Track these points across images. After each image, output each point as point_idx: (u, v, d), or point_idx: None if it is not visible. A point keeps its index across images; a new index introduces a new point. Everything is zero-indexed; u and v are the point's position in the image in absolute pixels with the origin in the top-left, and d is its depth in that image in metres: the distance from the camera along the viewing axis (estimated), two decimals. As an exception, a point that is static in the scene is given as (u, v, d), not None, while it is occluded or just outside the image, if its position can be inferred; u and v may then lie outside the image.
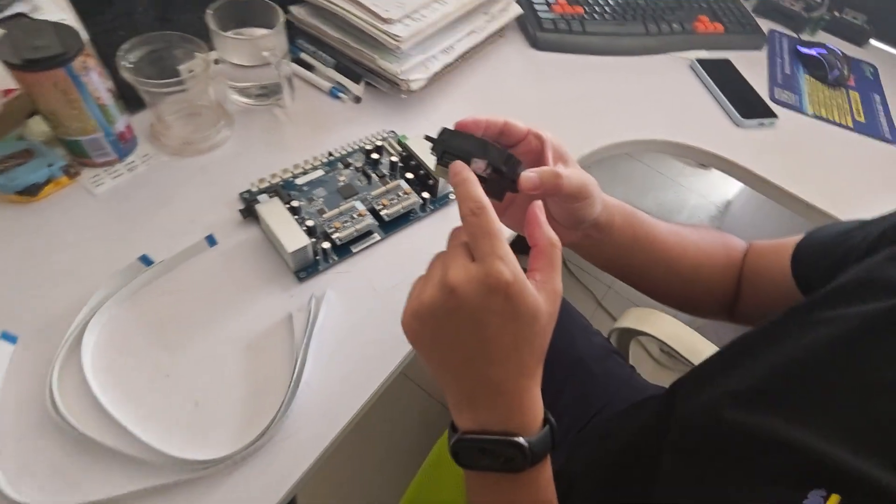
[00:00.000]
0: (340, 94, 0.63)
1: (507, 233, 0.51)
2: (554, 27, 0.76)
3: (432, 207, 0.55)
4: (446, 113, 0.65)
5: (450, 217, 0.55)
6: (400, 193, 0.53)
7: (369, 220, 0.51)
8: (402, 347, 0.45)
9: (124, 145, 0.52)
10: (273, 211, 0.48)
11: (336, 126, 0.60)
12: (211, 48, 0.54)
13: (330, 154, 0.56)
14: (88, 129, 0.47)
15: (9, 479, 0.35)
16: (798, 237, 0.43)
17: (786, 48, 0.87)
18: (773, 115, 0.73)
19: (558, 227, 0.38)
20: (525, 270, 0.28)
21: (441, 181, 0.54)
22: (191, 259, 0.47)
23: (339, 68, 0.63)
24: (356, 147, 0.57)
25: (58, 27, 0.44)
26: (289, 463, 0.39)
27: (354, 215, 0.51)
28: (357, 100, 0.63)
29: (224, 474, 0.38)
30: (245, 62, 0.55)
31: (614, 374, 0.63)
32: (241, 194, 0.51)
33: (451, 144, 0.31)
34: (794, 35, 0.91)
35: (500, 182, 0.31)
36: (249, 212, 0.50)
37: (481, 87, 0.69)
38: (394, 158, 0.55)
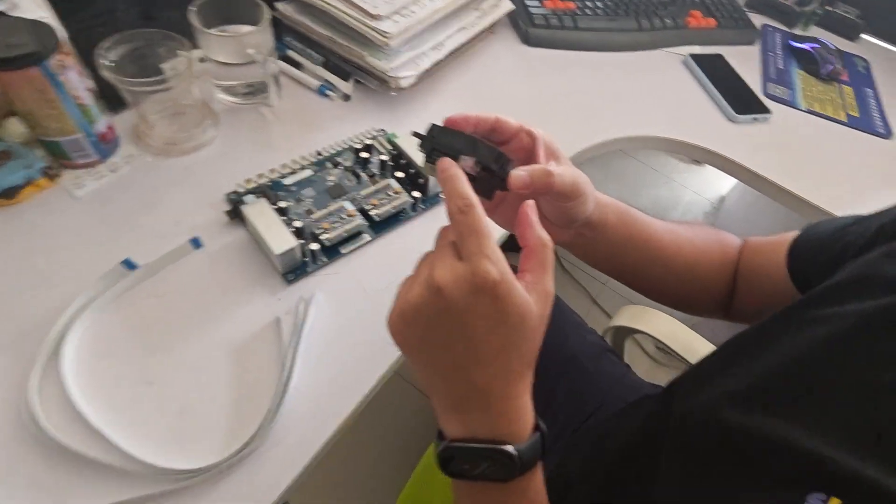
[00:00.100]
0: (329, 92, 0.62)
1: (499, 232, 0.50)
2: (545, 23, 0.75)
3: (423, 207, 0.54)
4: (437, 111, 0.64)
5: (441, 216, 0.54)
6: (390, 193, 0.52)
7: (359, 220, 0.50)
8: (394, 349, 0.44)
9: (106, 146, 0.50)
10: (260, 212, 0.47)
11: (325, 125, 0.59)
12: (195, 46, 0.52)
13: (318, 153, 0.55)
14: (68, 129, 0.46)
15: (-15, 493, 0.34)
16: (793, 233, 0.43)
17: (778, 43, 0.87)
18: (766, 110, 0.73)
19: (550, 226, 0.37)
20: (515, 270, 0.27)
21: (432, 180, 0.53)
22: (175, 262, 0.46)
23: (328, 66, 0.62)
24: (345, 146, 0.56)
25: (34, 25, 0.42)
26: (278, 470, 0.38)
27: (344, 216, 0.50)
28: (346, 98, 0.62)
29: (211, 483, 0.37)
30: (230, 60, 0.54)
31: (609, 373, 0.63)
32: (228, 195, 0.50)
33: (439, 141, 0.30)
34: (787, 30, 0.91)
35: (490, 180, 0.30)
36: (236, 213, 0.48)
37: (472, 84, 0.68)
38: (384, 157, 0.54)
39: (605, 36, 0.77)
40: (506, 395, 0.27)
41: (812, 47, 0.83)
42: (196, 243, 0.47)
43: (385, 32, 0.56)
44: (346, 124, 0.59)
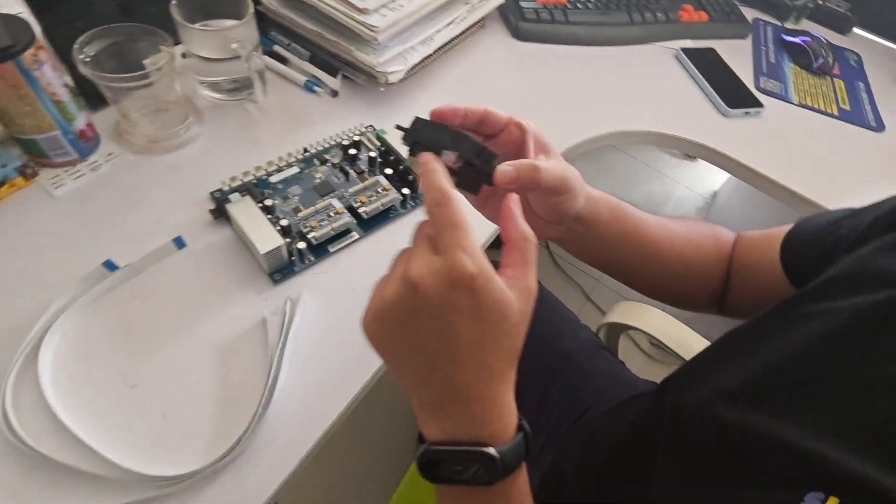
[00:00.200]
0: (316, 88, 0.61)
1: (489, 227, 0.49)
2: (536, 17, 0.75)
3: (413, 204, 0.53)
4: (426, 106, 0.62)
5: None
6: (379, 190, 0.51)
7: (347, 218, 0.49)
8: (382, 350, 0.44)
9: (86, 144, 0.49)
10: (245, 210, 0.45)
11: (312, 121, 0.58)
12: (177, 41, 0.51)
13: (305, 150, 0.54)
14: (44, 126, 0.45)
15: (-40, 503, 0.33)
16: (787, 227, 0.42)
17: (770, 37, 0.87)
18: (758, 104, 0.73)
19: (540, 222, 0.36)
20: (497, 266, 0.26)
21: (421, 176, 0.52)
22: (158, 263, 0.45)
23: (315, 61, 0.61)
24: (333, 142, 0.55)
25: (6, 19, 0.41)
26: (266, 473, 0.37)
27: (331, 213, 0.49)
28: (333, 93, 0.61)
29: (197, 489, 0.36)
30: (214, 55, 0.53)
31: (604, 371, 0.62)
32: (212, 193, 0.49)
33: (421, 135, 0.29)
34: (779, 23, 0.91)
35: (475, 175, 0.30)
36: (220, 212, 0.47)
37: (462, 79, 0.67)
38: (372, 154, 0.53)
39: (597, 30, 0.77)
40: (486, 394, 0.26)
41: (804, 41, 0.83)
42: (179, 243, 0.46)
43: (373, 26, 0.55)
44: (333, 120, 0.58)
